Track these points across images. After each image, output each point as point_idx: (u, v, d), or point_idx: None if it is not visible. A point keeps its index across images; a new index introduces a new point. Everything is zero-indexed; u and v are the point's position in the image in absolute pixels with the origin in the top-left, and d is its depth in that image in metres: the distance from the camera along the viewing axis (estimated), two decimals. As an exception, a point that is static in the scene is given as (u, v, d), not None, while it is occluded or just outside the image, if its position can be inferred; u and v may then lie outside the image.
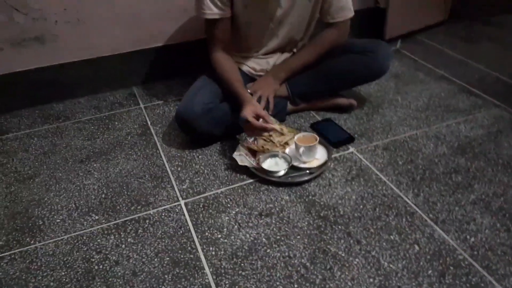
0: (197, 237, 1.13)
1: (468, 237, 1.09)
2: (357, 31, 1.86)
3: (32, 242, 1.14)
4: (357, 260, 1.05)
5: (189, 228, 1.16)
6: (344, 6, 1.47)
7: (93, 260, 1.08)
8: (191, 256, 1.08)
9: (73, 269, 1.06)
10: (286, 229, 1.14)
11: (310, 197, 1.24)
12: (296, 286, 0.99)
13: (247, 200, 1.24)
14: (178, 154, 1.45)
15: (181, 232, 1.15)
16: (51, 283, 1.02)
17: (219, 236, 1.13)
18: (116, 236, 1.14)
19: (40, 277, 1.04)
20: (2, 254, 1.10)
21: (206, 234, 1.14)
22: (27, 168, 1.41)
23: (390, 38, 2.16)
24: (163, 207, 1.23)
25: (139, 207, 1.24)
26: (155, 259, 1.07)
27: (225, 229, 1.15)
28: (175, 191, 1.29)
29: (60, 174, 1.38)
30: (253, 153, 1.38)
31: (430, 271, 1.01)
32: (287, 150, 1.39)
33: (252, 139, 1.41)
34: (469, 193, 1.23)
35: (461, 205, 1.19)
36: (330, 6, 1.47)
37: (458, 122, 1.54)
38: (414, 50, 2.11)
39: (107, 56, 1.79)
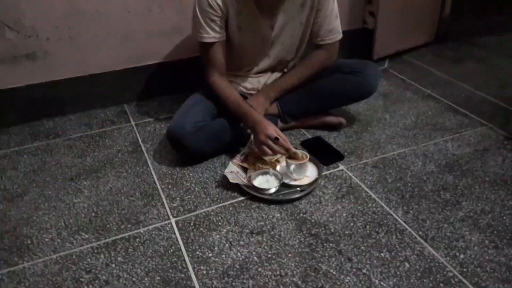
0: (188, 255, 1.12)
1: (457, 254, 1.10)
2: (346, 51, 1.90)
3: (20, 262, 1.12)
4: (348, 278, 1.05)
5: (180, 246, 1.15)
6: (333, 29, 1.51)
7: (83, 280, 1.06)
8: (182, 275, 1.07)
9: (62, 289, 1.04)
10: (278, 247, 1.14)
11: (301, 214, 1.25)
12: (287, 305, 0.99)
13: (238, 218, 1.24)
14: (169, 172, 1.45)
15: (171, 250, 1.14)
16: (39, 304, 1.01)
17: (210, 254, 1.13)
18: (106, 255, 1.13)
19: (27, 298, 1.02)
20: (-11, 274, 1.09)
21: (197, 252, 1.13)
22: (16, 186, 1.40)
23: (378, 58, 2.21)
24: (153, 226, 1.23)
25: (129, 226, 1.23)
26: (146, 278, 1.06)
27: (216, 248, 1.14)
28: (166, 209, 1.29)
29: (50, 192, 1.37)
30: (244, 170, 1.39)
31: (420, 289, 1.02)
32: (278, 168, 1.40)
33: (244, 156, 1.42)
34: (457, 210, 1.25)
35: (450, 222, 1.20)
36: (320, 29, 1.50)
37: (445, 140, 1.57)
38: (402, 69, 2.15)
39: (99, 73, 1.80)
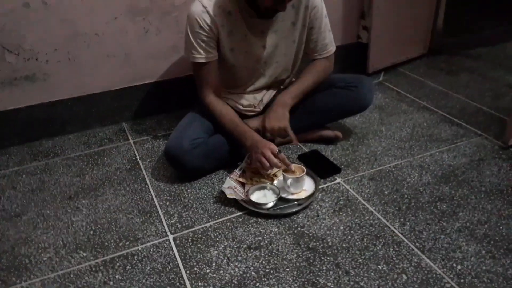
0: (186, 272, 1.13)
1: (454, 265, 1.10)
2: (341, 65, 1.93)
3: (18, 281, 1.12)
4: (346, 291, 1.05)
5: (178, 263, 1.15)
6: (328, 43, 1.55)
7: (80, 298, 1.06)
8: (180, 291, 1.07)
9: (60, 309, 1.04)
10: (275, 261, 1.14)
11: (299, 228, 1.25)
12: (285, 319, 0.99)
13: (236, 233, 1.24)
14: (167, 189, 1.46)
15: (169, 267, 1.14)
16: (37, 324, 1.01)
17: (208, 271, 1.13)
18: (104, 273, 1.13)
19: (25, 318, 1.02)
20: (-13, 295, 1.09)
21: (195, 269, 1.13)
22: (15, 206, 1.41)
23: (373, 71, 2.24)
24: (151, 243, 1.23)
25: (127, 243, 1.23)
26: (143, 296, 1.06)
27: (214, 264, 1.15)
28: (164, 226, 1.29)
29: (48, 211, 1.38)
30: (242, 185, 1.39)
31: (418, 301, 1.01)
32: (275, 182, 1.40)
33: (241, 171, 1.43)
34: (454, 221, 1.25)
35: (447, 233, 1.20)
36: (316, 45, 1.53)
37: (441, 151, 1.58)
38: (397, 82, 2.18)
39: (98, 93, 1.82)
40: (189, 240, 1.23)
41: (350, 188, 1.41)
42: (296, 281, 1.08)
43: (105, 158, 1.65)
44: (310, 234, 1.23)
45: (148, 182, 1.49)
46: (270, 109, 1.51)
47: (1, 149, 1.74)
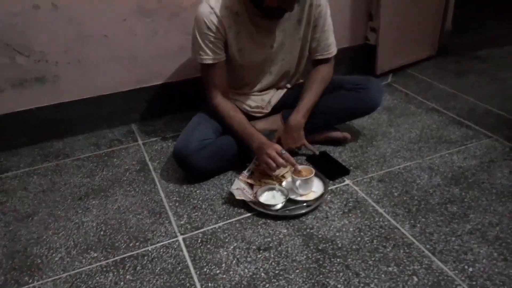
0: (196, 273, 1.13)
1: (466, 267, 1.10)
2: (349, 67, 1.93)
3: (31, 281, 1.13)
4: (356, 293, 1.04)
5: (188, 264, 1.16)
6: (331, 44, 1.55)
7: (91, 298, 1.07)
8: (190, 292, 1.07)
9: (71, 308, 1.05)
10: (285, 263, 1.14)
11: (308, 230, 1.25)
12: (296, 321, 0.99)
13: (245, 235, 1.25)
14: (176, 190, 1.46)
15: (179, 268, 1.15)
16: (49, 323, 1.01)
17: (218, 271, 1.13)
18: (115, 273, 1.14)
19: (37, 317, 1.03)
20: (-1, 295, 1.10)
21: (205, 269, 1.14)
22: (26, 207, 1.42)
23: (382, 72, 2.23)
24: (161, 243, 1.23)
25: (137, 244, 1.24)
26: (154, 296, 1.07)
27: (223, 265, 1.15)
28: (173, 227, 1.30)
29: (59, 212, 1.39)
30: (251, 186, 1.40)
31: (429, 303, 1.01)
32: (283, 183, 1.40)
33: (249, 172, 1.43)
34: (465, 223, 1.24)
35: (458, 235, 1.20)
36: (318, 44, 1.53)
37: (451, 153, 1.57)
38: (405, 83, 2.17)
39: (107, 94, 1.83)
40: (199, 241, 1.23)
41: (359, 189, 1.41)
42: (306, 282, 1.08)
43: (115, 159, 1.66)
44: (320, 236, 1.23)
45: (158, 183, 1.50)
46: (285, 131, 1.54)
47: (12, 150, 1.75)
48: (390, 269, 1.10)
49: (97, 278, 1.13)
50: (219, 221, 1.31)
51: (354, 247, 1.18)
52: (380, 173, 1.49)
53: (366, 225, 1.26)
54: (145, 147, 1.73)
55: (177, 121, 1.90)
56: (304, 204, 1.33)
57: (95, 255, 1.20)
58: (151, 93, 1.92)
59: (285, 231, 1.25)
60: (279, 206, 1.31)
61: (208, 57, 1.42)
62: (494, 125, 1.73)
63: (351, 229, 1.24)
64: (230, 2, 1.38)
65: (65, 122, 1.81)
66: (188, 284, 1.10)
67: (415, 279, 1.07)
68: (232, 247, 1.20)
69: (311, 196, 1.35)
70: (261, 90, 1.61)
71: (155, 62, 1.86)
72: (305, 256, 1.16)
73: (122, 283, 1.11)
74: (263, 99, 1.61)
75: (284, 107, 1.61)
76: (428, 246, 1.17)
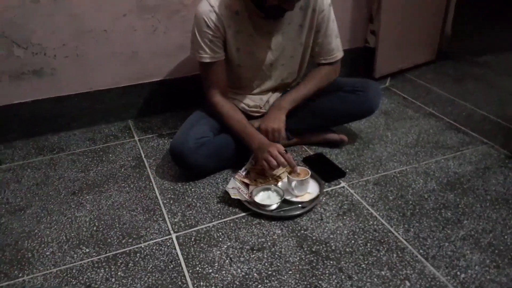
0: (188, 271, 1.12)
1: (458, 273, 1.10)
2: (348, 69, 1.92)
3: (20, 275, 1.12)
4: (348, 296, 1.04)
5: (180, 262, 1.15)
6: (334, 48, 1.54)
7: (82, 294, 1.06)
8: (182, 290, 1.07)
9: (61, 304, 1.04)
10: (278, 264, 1.14)
11: (302, 231, 1.25)
12: (287, 322, 0.98)
13: (239, 234, 1.24)
14: (171, 187, 1.46)
15: (172, 266, 1.14)
16: (38, 318, 1.01)
17: (210, 270, 1.12)
18: (107, 269, 1.13)
19: (26, 312, 1.02)
20: (-11, 288, 1.09)
21: (197, 268, 1.13)
22: (19, 200, 1.41)
23: (380, 76, 2.23)
24: (154, 241, 1.23)
25: (130, 240, 1.23)
26: (145, 294, 1.06)
27: (216, 264, 1.14)
28: (167, 224, 1.29)
29: (52, 206, 1.38)
30: (246, 186, 1.39)
31: (421, 308, 1.01)
32: (279, 184, 1.40)
33: (246, 172, 1.43)
34: (458, 229, 1.24)
35: (451, 241, 1.20)
36: (321, 49, 1.53)
37: (447, 159, 1.57)
38: (403, 88, 2.17)
39: (104, 90, 1.82)
40: (192, 239, 1.23)
41: (355, 192, 1.40)
42: (298, 284, 1.08)
43: (110, 155, 1.65)
44: (314, 238, 1.22)
45: (153, 180, 1.49)
46: (269, 111, 1.54)
47: (7, 142, 1.74)
48: (383, 273, 1.10)
49: (88, 273, 1.12)
50: (213, 220, 1.30)
51: (347, 249, 1.18)
52: (376, 176, 1.48)
53: (360, 228, 1.25)
54: (141, 144, 1.73)
55: (174, 118, 1.89)
56: (299, 205, 1.33)
57: (87, 250, 1.20)
58: (148, 90, 1.91)
59: (279, 231, 1.25)
60: (274, 206, 1.31)
61: (207, 56, 1.42)
62: (491, 132, 1.73)
63: (345, 232, 1.24)
64: (231, 1, 1.37)
65: (61, 116, 1.80)
66: (180, 283, 1.09)
67: (408, 283, 1.07)
68: (225, 246, 1.20)
69: (306, 197, 1.35)
70: (260, 93, 1.60)
71: (154, 59, 1.85)
72: (298, 258, 1.16)
73: (113, 279, 1.10)
74: (262, 99, 1.61)
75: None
76: (421, 251, 1.17)
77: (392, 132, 1.76)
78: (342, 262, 1.14)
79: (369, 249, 1.18)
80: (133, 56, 1.81)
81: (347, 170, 1.51)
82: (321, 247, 1.19)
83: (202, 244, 1.21)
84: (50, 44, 1.67)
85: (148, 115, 1.94)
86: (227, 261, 1.15)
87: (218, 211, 1.34)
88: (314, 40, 1.52)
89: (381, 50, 2.17)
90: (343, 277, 1.09)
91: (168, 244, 1.21)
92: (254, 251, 1.18)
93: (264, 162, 1.37)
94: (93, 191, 1.44)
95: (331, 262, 1.14)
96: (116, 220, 1.31)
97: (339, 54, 1.56)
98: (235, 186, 1.37)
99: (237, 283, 1.08)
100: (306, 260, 1.15)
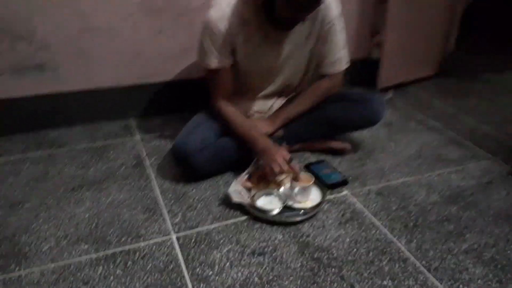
0: (188, 272, 1.10)
1: (461, 286, 1.09)
2: (350, 80, 1.93)
3: (17, 269, 1.10)
4: (350, 304, 1.03)
5: (180, 263, 1.13)
6: (338, 60, 1.53)
7: (79, 291, 1.04)
8: (181, 292, 1.05)
9: (57, 300, 1.02)
10: (279, 269, 1.12)
11: (304, 237, 1.23)
12: (288, 328, 0.96)
13: (240, 238, 1.23)
14: (172, 187, 1.44)
15: (171, 267, 1.12)
16: (33, 314, 0.98)
17: (210, 273, 1.11)
18: (105, 267, 1.11)
19: (21, 307, 1.00)
20: (-17, 281, 1.06)
21: (197, 270, 1.11)
22: (17, 193, 1.39)
23: (382, 88, 2.24)
24: (154, 240, 1.21)
25: (129, 239, 1.21)
26: (144, 294, 1.04)
27: (216, 266, 1.13)
28: (167, 225, 1.27)
29: (51, 201, 1.35)
30: (248, 190, 1.38)
31: (424, 319, 1.00)
32: (281, 189, 1.39)
33: (248, 176, 1.42)
34: (461, 242, 1.23)
35: (454, 254, 1.19)
36: (324, 60, 1.53)
37: (449, 172, 1.57)
38: (406, 100, 2.18)
39: (107, 87, 1.81)
40: (193, 241, 1.21)
41: (357, 201, 1.40)
42: (299, 290, 1.06)
43: (111, 153, 1.63)
44: (315, 244, 1.21)
45: (153, 180, 1.48)
46: (260, 121, 1.57)
47: (7, 136, 1.72)
48: (385, 282, 1.09)
49: (86, 270, 1.10)
50: (214, 222, 1.29)
51: (349, 258, 1.17)
52: (379, 186, 1.48)
53: (363, 237, 1.24)
54: (143, 143, 1.71)
55: (177, 120, 1.87)
56: (301, 211, 1.32)
57: (86, 247, 1.17)
58: (152, 90, 1.90)
59: (280, 237, 1.23)
60: (276, 211, 1.30)
61: (214, 62, 1.41)
62: (493, 147, 1.74)
63: (347, 240, 1.23)
64: (241, 9, 1.37)
65: (62, 112, 1.79)
66: (179, 284, 1.07)
67: (410, 294, 1.06)
68: (226, 249, 1.18)
69: (308, 204, 1.34)
70: (263, 97, 1.60)
71: (157, 60, 1.84)
72: (299, 264, 1.14)
73: (111, 277, 1.08)
74: (265, 104, 1.61)
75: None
76: (423, 262, 1.16)
77: (394, 143, 1.76)
78: (344, 270, 1.12)
79: (371, 258, 1.17)
80: (137, 56, 1.80)
81: (350, 178, 1.50)
82: (322, 254, 1.18)
83: (202, 246, 1.19)
84: (54, 39, 1.66)
85: (150, 115, 1.92)
86: (227, 264, 1.13)
87: (219, 214, 1.32)
88: (319, 50, 1.52)
89: (384, 62, 2.18)
90: (344, 285, 1.08)
91: (168, 245, 1.19)
92: (255, 255, 1.16)
93: (268, 168, 1.36)
94: (93, 188, 1.42)
95: (333, 269, 1.13)
96: (116, 218, 1.29)
97: (342, 66, 1.56)
98: (237, 190, 1.35)
99: (238, 286, 1.07)
100: (308, 266, 1.13)
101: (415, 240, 1.23)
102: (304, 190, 1.33)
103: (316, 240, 1.23)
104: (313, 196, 1.36)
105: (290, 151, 1.61)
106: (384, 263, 1.15)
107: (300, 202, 1.34)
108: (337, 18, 1.47)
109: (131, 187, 1.44)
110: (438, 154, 1.69)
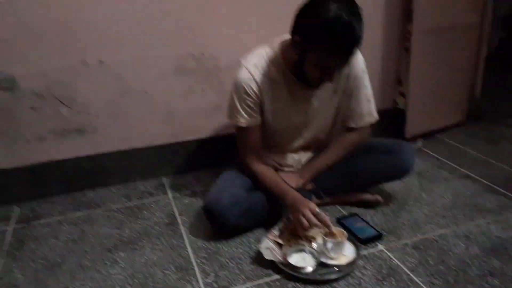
0: (222, 335, 1.08)
1: None
2: (377, 130, 1.93)
3: (55, 333, 1.11)
4: None
5: (214, 325, 1.12)
6: (365, 113, 1.55)
7: None
8: None
9: None
10: (316, 331, 1.09)
11: (340, 296, 1.20)
12: None
13: (274, 297, 1.20)
14: (204, 246, 1.45)
15: (205, 329, 1.11)
16: None
17: (245, 335, 1.08)
18: (140, 331, 1.11)
19: None
20: None
21: (232, 333, 1.09)
22: (55, 255, 1.43)
23: (411, 136, 2.23)
24: (187, 301, 1.20)
25: (163, 301, 1.21)
26: None
27: (251, 328, 1.10)
28: (200, 284, 1.27)
29: (87, 263, 1.38)
30: (279, 246, 1.37)
31: None
32: (314, 245, 1.37)
33: (279, 231, 1.41)
34: (508, 298, 1.17)
35: (501, 312, 1.13)
36: (352, 113, 1.55)
37: (488, 222, 1.52)
38: (436, 148, 2.15)
39: (142, 147, 1.89)
40: (226, 302, 1.20)
41: (393, 256, 1.36)
42: None
43: (145, 212, 1.67)
44: (352, 303, 1.17)
45: (186, 238, 1.49)
46: (289, 174, 1.57)
47: (47, 197, 1.79)
48: None
49: (122, 335, 1.10)
50: (246, 282, 1.27)
51: (389, 318, 1.12)
52: (414, 239, 1.44)
53: (401, 294, 1.20)
54: (175, 201, 1.75)
55: (208, 176, 1.92)
56: (335, 268, 1.29)
57: (121, 310, 1.18)
58: (183, 148, 1.96)
59: (315, 296, 1.21)
60: (309, 269, 1.27)
61: (244, 120, 1.46)
62: (532, 195, 1.68)
63: (385, 298, 1.19)
64: (268, 68, 1.43)
65: (99, 173, 1.86)
66: None
67: None
68: (260, 310, 1.16)
69: (342, 260, 1.31)
70: (292, 151, 1.63)
71: (190, 118, 1.92)
72: (337, 325, 1.10)
73: None
74: (293, 157, 1.63)
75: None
76: (469, 321, 1.10)
77: (427, 194, 1.73)
78: (384, 332, 1.08)
79: (412, 318, 1.12)
80: (171, 116, 1.89)
81: (384, 232, 1.47)
82: (360, 314, 1.14)
83: (236, 307, 1.18)
84: (93, 103, 1.76)
85: (182, 173, 1.98)
86: (262, 326, 1.11)
87: (251, 272, 1.31)
88: (346, 104, 1.54)
89: (410, 111, 2.18)
90: None
91: (202, 306, 1.18)
92: (290, 316, 1.13)
93: (297, 223, 1.35)
94: (127, 248, 1.45)
95: (372, 331, 1.08)
96: (149, 278, 1.30)
97: (369, 119, 1.57)
98: (268, 246, 1.35)
99: None
100: (346, 328, 1.09)
101: (457, 298, 1.18)
102: (338, 246, 1.31)
103: (353, 298, 1.19)
104: (347, 252, 1.34)
105: (321, 205, 1.61)
106: (426, 323, 1.10)
107: (333, 259, 1.31)
108: (363, 72, 1.51)
109: (164, 246, 1.45)
110: (474, 203, 1.64)
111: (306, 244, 1.36)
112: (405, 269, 1.30)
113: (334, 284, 1.25)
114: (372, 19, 2.05)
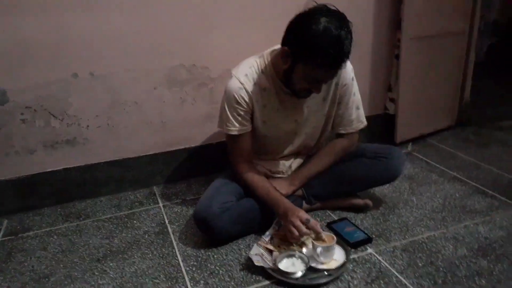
0: None
1: None
2: (368, 135, 1.96)
3: None
4: None
5: (203, 332, 1.11)
6: (354, 119, 1.57)
7: None
8: None
9: None
10: (305, 335, 1.08)
11: (329, 300, 1.20)
12: None
13: (264, 303, 1.20)
14: (194, 254, 1.44)
15: (194, 337, 1.10)
16: None
17: None
18: None
19: None
20: None
21: None
22: (44, 267, 1.42)
23: (401, 141, 2.25)
24: (176, 309, 1.20)
25: (152, 309, 1.20)
26: None
27: (240, 335, 1.10)
28: (190, 293, 1.26)
29: (76, 274, 1.38)
30: (270, 252, 1.37)
31: None
32: (304, 250, 1.37)
33: (269, 237, 1.41)
34: (496, 298, 1.17)
35: (489, 312, 1.13)
36: (341, 120, 1.57)
37: (476, 223, 1.53)
38: (426, 152, 2.17)
39: (133, 157, 1.89)
40: (215, 309, 1.19)
41: (382, 259, 1.36)
42: None
43: (135, 221, 1.67)
44: (341, 307, 1.17)
45: (175, 247, 1.49)
46: (278, 180, 1.58)
47: (36, 209, 1.79)
48: None
49: None
50: (236, 288, 1.27)
51: (378, 320, 1.12)
52: (404, 242, 1.44)
53: (390, 297, 1.20)
54: (165, 210, 1.75)
55: (198, 184, 1.92)
56: (325, 272, 1.29)
57: (109, 319, 1.17)
58: (174, 157, 1.96)
59: (305, 300, 1.20)
60: (299, 274, 1.27)
61: (235, 129, 1.47)
62: (521, 196, 1.69)
63: (374, 301, 1.19)
64: (259, 78, 1.44)
65: (89, 183, 1.86)
66: None
67: None
68: (249, 316, 1.16)
69: (332, 264, 1.31)
70: (282, 158, 1.64)
71: (181, 128, 1.93)
72: (326, 329, 1.10)
73: None
74: (284, 164, 1.64)
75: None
76: (457, 322, 1.10)
77: (417, 197, 1.74)
78: (373, 334, 1.08)
79: (401, 320, 1.12)
80: (162, 126, 1.89)
81: (374, 236, 1.48)
82: (349, 317, 1.13)
83: (225, 314, 1.17)
84: (84, 115, 1.77)
85: (172, 181, 1.98)
86: (251, 332, 1.11)
87: (241, 279, 1.31)
88: (335, 111, 1.56)
89: (400, 116, 2.20)
90: None
91: (191, 313, 1.18)
92: (280, 322, 1.13)
93: (287, 232, 1.36)
94: (117, 258, 1.44)
95: (361, 334, 1.08)
96: (139, 288, 1.30)
97: (359, 125, 1.59)
98: (258, 253, 1.35)
99: None
100: (335, 331, 1.09)
101: (446, 299, 1.18)
102: (327, 250, 1.31)
103: (342, 302, 1.19)
104: (337, 256, 1.34)
105: (311, 210, 1.62)
106: (415, 325, 1.10)
107: (323, 263, 1.32)
108: (352, 80, 1.52)
109: (154, 255, 1.45)
110: (463, 205, 1.65)
111: (296, 249, 1.36)
112: (394, 271, 1.30)
113: (324, 288, 1.25)
114: (362, 27, 2.08)
